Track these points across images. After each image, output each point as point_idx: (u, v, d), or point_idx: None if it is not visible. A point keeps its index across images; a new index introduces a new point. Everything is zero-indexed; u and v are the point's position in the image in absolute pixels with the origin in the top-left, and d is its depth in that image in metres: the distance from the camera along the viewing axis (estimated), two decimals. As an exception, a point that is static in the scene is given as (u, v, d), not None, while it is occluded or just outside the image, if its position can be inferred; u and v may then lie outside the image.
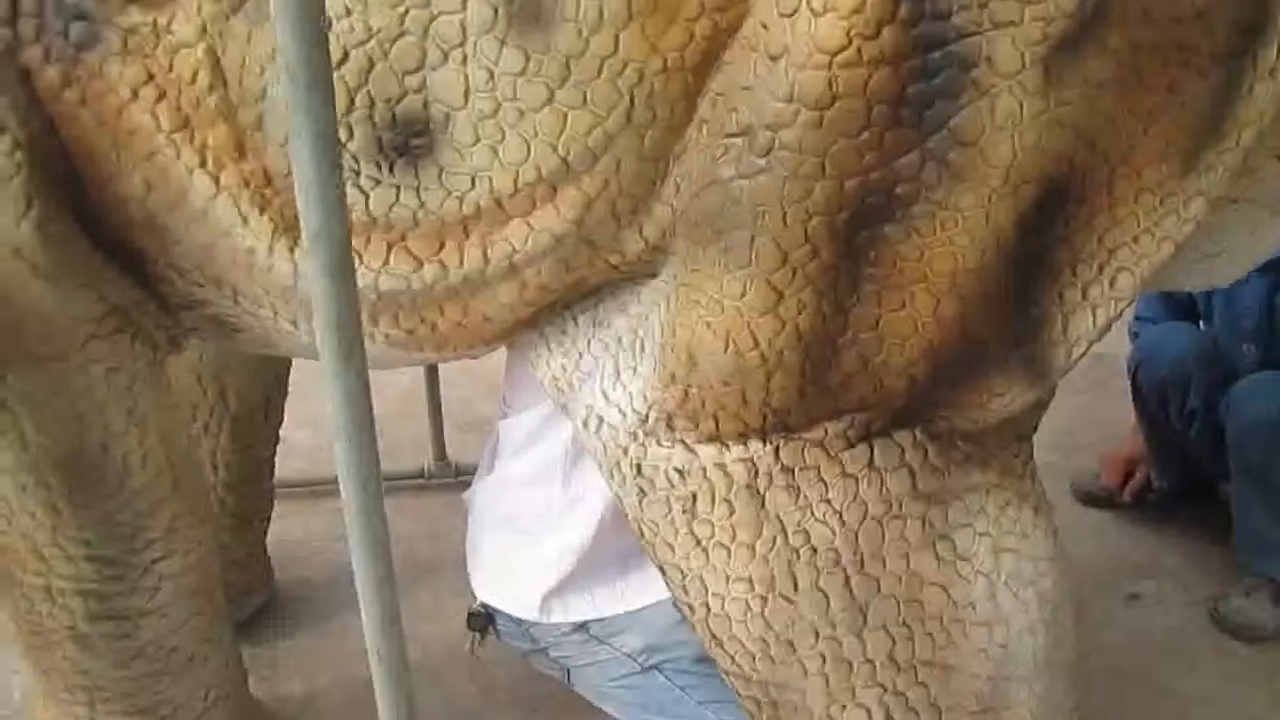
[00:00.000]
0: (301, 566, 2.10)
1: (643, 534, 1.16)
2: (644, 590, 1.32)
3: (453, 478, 2.30)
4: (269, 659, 1.85)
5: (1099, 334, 1.03)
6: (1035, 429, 1.17)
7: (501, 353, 1.43)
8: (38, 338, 1.13)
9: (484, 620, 1.43)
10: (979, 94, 0.90)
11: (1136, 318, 2.26)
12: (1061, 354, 1.04)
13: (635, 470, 1.13)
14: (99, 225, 1.11)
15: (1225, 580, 2.06)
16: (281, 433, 1.87)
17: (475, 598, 1.44)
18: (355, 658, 1.90)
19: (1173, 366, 2.06)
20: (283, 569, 2.05)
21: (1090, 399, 2.46)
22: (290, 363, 1.81)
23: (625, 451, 1.13)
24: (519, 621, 1.39)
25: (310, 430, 2.17)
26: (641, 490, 1.13)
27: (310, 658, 1.91)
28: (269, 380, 1.75)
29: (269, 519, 1.94)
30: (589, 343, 1.15)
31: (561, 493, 1.34)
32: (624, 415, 1.12)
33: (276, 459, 1.90)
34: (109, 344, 1.18)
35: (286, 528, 2.06)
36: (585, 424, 1.16)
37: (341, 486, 0.76)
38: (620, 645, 1.36)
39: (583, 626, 1.36)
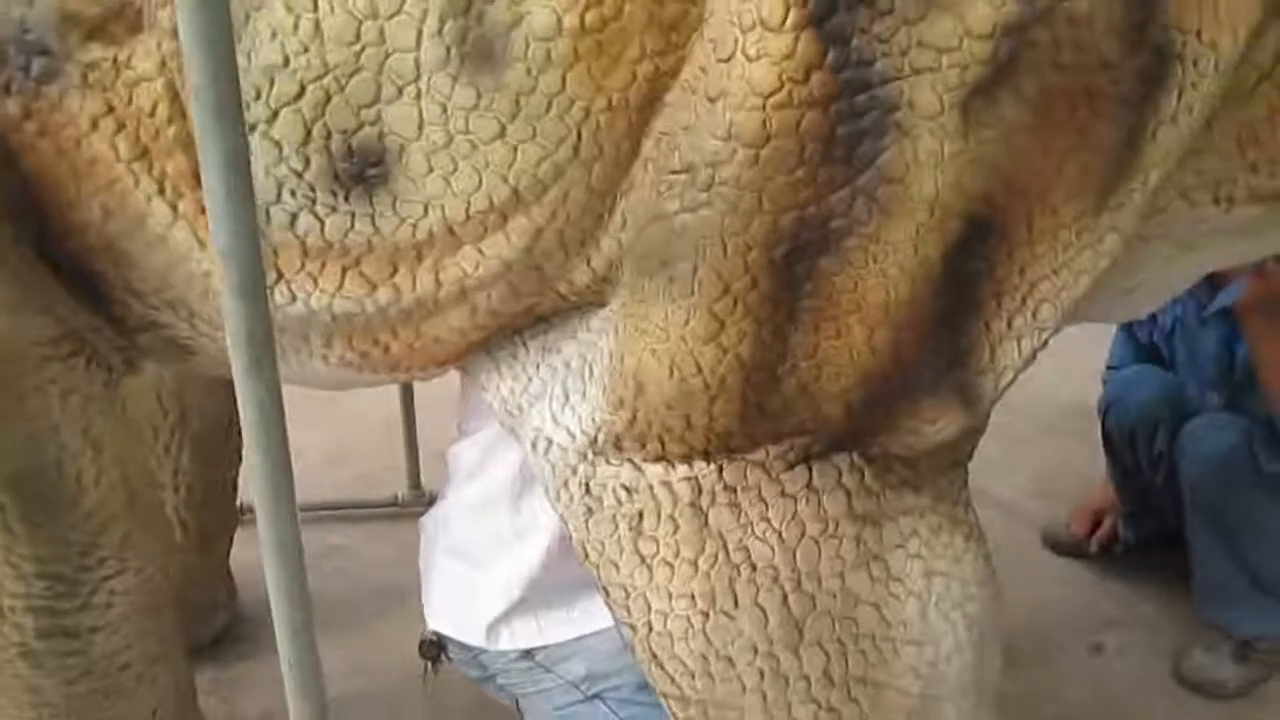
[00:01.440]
0: (264, 590, 2.14)
1: (587, 555, 1.21)
2: (590, 618, 1.36)
3: (424, 506, 2.34)
4: (228, 680, 1.91)
5: (1024, 363, 1.10)
6: (970, 456, 1.24)
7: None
8: (-3, 360, 1.18)
9: (435, 648, 1.47)
10: (902, 134, 0.97)
11: (1108, 367, 2.34)
12: (990, 382, 1.11)
13: (584, 489, 1.19)
14: (57, 251, 1.16)
15: (1190, 633, 2.11)
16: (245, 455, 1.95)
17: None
18: None
19: (1141, 409, 2.14)
20: (247, 590, 2.10)
21: (1068, 448, 2.53)
22: None
23: (574, 471, 1.18)
24: (468, 649, 1.43)
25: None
26: (589, 509, 1.19)
27: (270, 681, 1.93)
28: (230, 400, 1.80)
29: (232, 539, 2.00)
30: (538, 367, 1.21)
31: (510, 520, 1.38)
32: (573, 436, 1.18)
33: (240, 483, 1.95)
34: (64, 366, 1.24)
35: (251, 552, 2.10)
36: (534, 446, 1.21)
37: (255, 495, 0.82)
38: (564, 673, 1.40)
39: (528, 654, 1.40)
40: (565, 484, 1.19)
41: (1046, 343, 1.09)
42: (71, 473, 1.27)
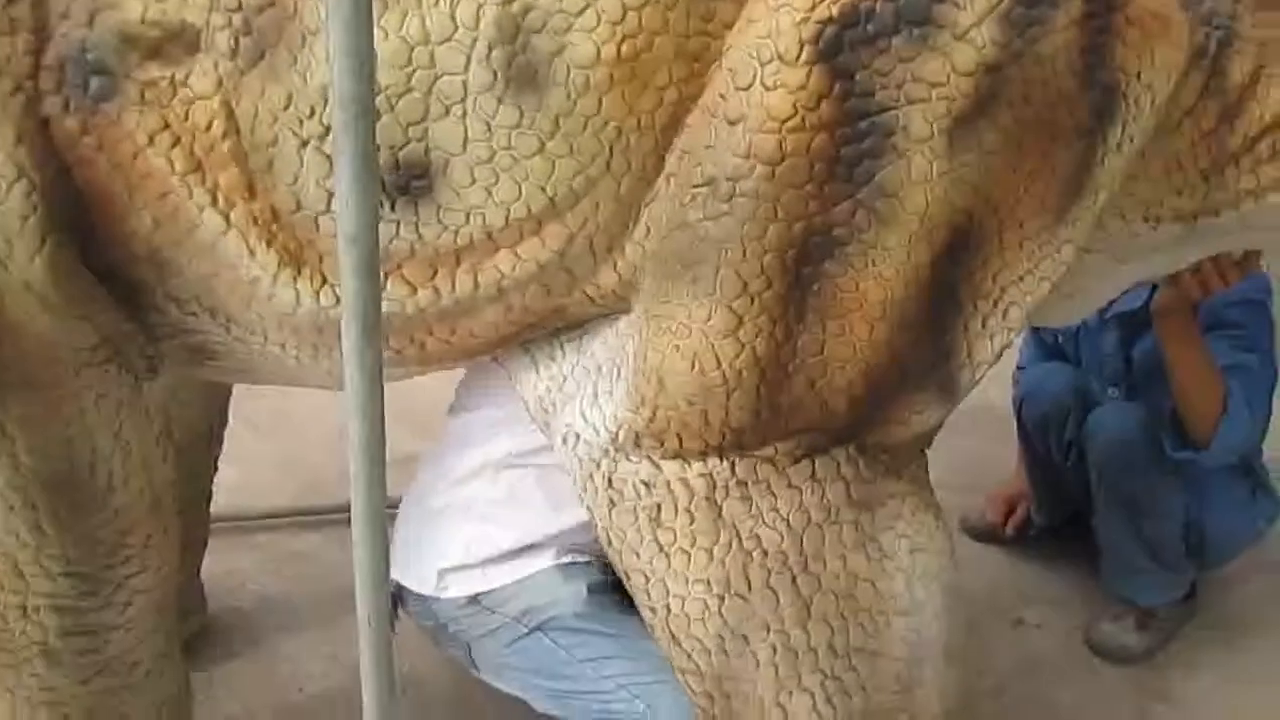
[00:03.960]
0: (231, 597, 2.25)
1: (610, 542, 1.37)
2: (528, 565, 1.55)
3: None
4: (204, 681, 1.99)
5: (995, 358, 1.32)
6: (930, 445, 1.44)
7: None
8: (39, 365, 1.27)
9: (393, 599, 1.56)
10: (898, 155, 1.17)
11: (1019, 367, 2.61)
12: (967, 375, 1.32)
13: (607, 483, 1.35)
14: (101, 260, 1.26)
15: (1099, 605, 2.39)
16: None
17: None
18: (286, 681, 2.09)
19: (1053, 401, 2.41)
20: (214, 599, 2.19)
21: (980, 445, 2.80)
22: (230, 396, 1.95)
23: (598, 465, 1.34)
24: (422, 598, 1.59)
25: (236, 467, 2.30)
26: (611, 501, 1.35)
27: (244, 681, 2.07)
28: (212, 412, 1.91)
29: (205, 547, 2.09)
30: (573, 369, 1.38)
31: (485, 490, 1.56)
32: (598, 433, 1.34)
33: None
34: (99, 371, 1.33)
35: (216, 561, 2.21)
36: (564, 440, 1.37)
37: (351, 457, 0.94)
38: (507, 612, 1.55)
39: (474, 599, 1.56)
40: (590, 477, 1.35)
41: (1012, 341, 1.30)
42: (103, 474, 1.36)
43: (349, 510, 2.56)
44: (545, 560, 1.55)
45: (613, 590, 1.55)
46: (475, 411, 1.62)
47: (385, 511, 0.98)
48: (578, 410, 1.36)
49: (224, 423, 1.99)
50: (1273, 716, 2.17)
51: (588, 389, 1.36)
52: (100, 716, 1.49)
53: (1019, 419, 2.51)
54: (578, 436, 1.36)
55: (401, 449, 1.60)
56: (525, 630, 1.56)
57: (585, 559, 1.58)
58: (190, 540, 1.96)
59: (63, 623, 1.41)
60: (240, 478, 2.08)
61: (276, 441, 2.74)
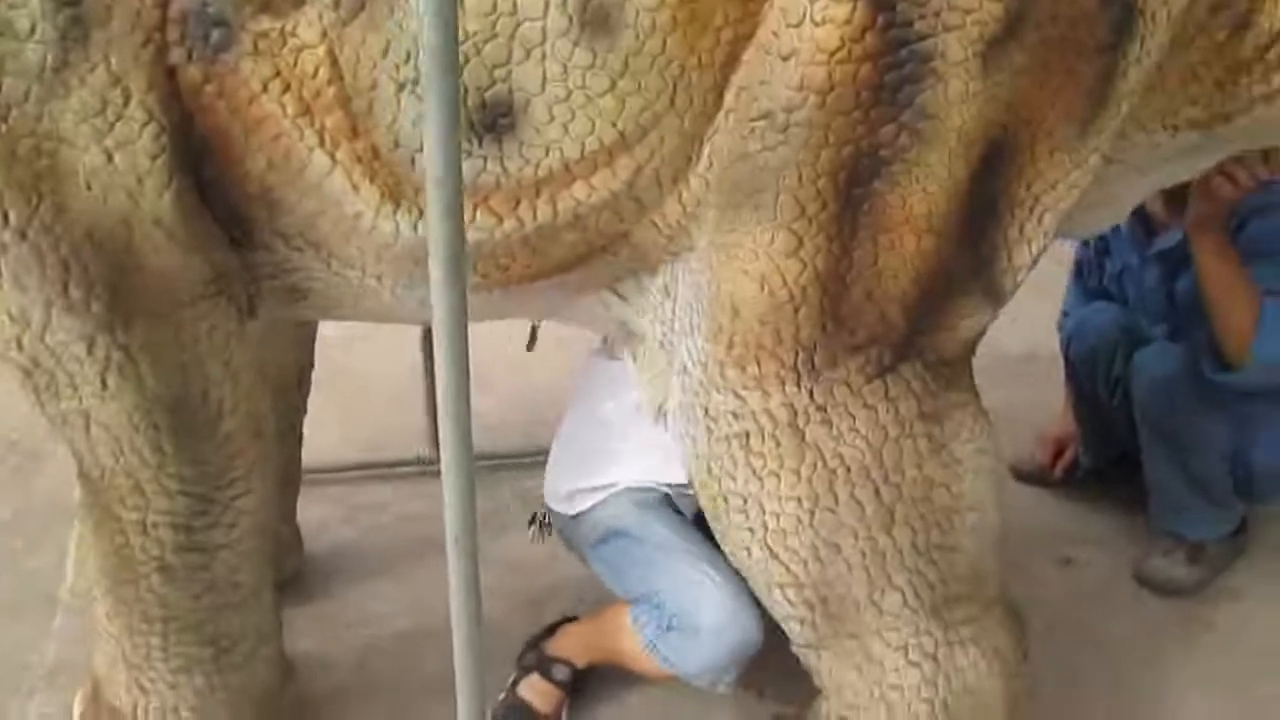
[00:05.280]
0: (305, 545, 2.42)
1: (709, 469, 1.53)
2: (602, 492, 1.97)
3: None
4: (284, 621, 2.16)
5: (1033, 261, 1.45)
6: (974, 352, 1.57)
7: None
8: (160, 295, 1.44)
9: (543, 520, 2.14)
10: (936, 79, 1.31)
11: (1063, 313, 2.72)
12: (1009, 280, 1.45)
13: (704, 412, 1.51)
14: (219, 199, 1.43)
15: (1148, 542, 2.50)
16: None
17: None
18: (357, 624, 2.29)
19: (1099, 336, 2.53)
20: (291, 546, 2.36)
21: (1028, 391, 2.92)
22: (314, 341, 2.14)
23: (697, 396, 1.51)
24: (557, 515, 2.06)
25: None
26: (709, 429, 1.51)
27: (318, 621, 2.26)
28: (302, 353, 2.10)
29: (299, 485, 2.27)
30: (674, 308, 1.53)
31: (615, 443, 1.90)
32: (694, 366, 1.50)
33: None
34: (212, 304, 1.50)
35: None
36: (679, 375, 1.54)
37: (439, 389, 1.01)
38: (596, 524, 1.97)
39: (575, 517, 2.02)
40: (693, 408, 1.52)
41: (1047, 246, 1.43)
42: (215, 400, 1.53)
43: (416, 464, 2.78)
44: (607, 489, 1.95)
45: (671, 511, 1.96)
46: (619, 361, 1.87)
47: (471, 431, 1.05)
48: (684, 346, 1.52)
49: (312, 364, 2.17)
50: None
51: (687, 324, 1.51)
52: (206, 631, 1.67)
53: (1066, 358, 2.63)
54: (685, 370, 1.52)
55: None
56: (608, 534, 1.94)
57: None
58: (286, 480, 2.14)
59: (178, 539, 1.58)
60: (307, 434, 2.24)
61: (339, 399, 2.90)
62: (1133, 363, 2.40)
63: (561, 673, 2.00)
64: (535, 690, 2.00)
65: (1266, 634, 2.32)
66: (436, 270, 0.97)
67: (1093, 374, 2.56)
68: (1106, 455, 2.69)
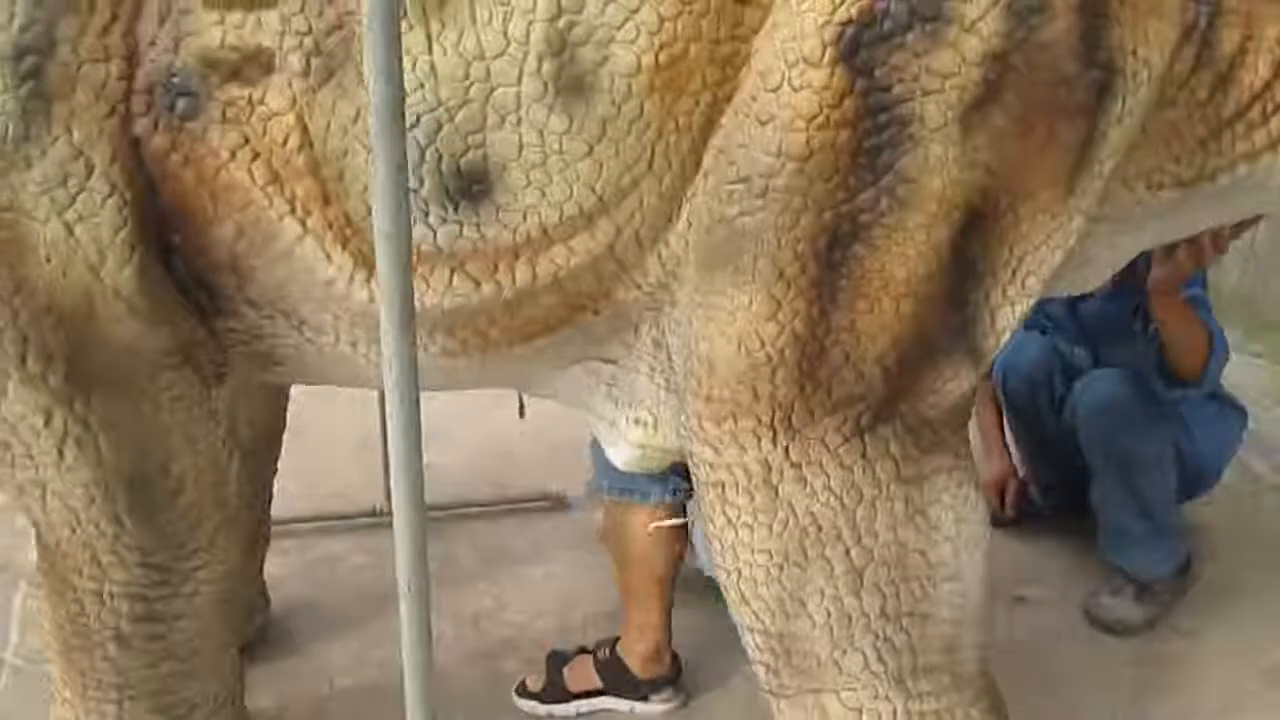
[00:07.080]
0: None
1: (700, 507, 1.57)
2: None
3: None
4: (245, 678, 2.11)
5: (1017, 324, 1.46)
6: (969, 417, 1.59)
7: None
8: (123, 367, 1.41)
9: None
10: (915, 144, 1.33)
11: None
12: (992, 342, 1.46)
13: (691, 458, 1.53)
14: (184, 268, 1.40)
15: (1098, 579, 2.54)
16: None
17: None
18: (316, 677, 2.26)
19: (1034, 365, 2.62)
20: (246, 602, 2.30)
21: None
22: (288, 400, 2.10)
23: (686, 440, 1.52)
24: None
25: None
26: (696, 476, 1.54)
27: (276, 677, 2.22)
28: (275, 413, 2.05)
29: (268, 545, 2.22)
30: (669, 356, 1.54)
31: None
32: (685, 412, 1.51)
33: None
34: (175, 374, 1.47)
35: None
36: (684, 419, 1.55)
37: (390, 435, 1.01)
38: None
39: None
40: (688, 450, 1.54)
41: (1032, 308, 1.46)
42: (176, 471, 1.50)
43: (372, 517, 2.75)
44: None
45: None
46: None
47: (422, 477, 1.05)
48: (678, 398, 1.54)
49: (284, 425, 2.13)
50: (1269, 679, 2.33)
51: (681, 368, 1.52)
52: (163, 700, 1.64)
53: (1004, 392, 2.70)
54: (685, 416, 1.53)
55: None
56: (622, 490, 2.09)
57: None
58: (254, 539, 2.10)
59: (135, 609, 1.55)
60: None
61: (297, 452, 2.83)
62: (1072, 395, 2.49)
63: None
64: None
65: (1217, 671, 2.37)
66: (387, 320, 0.98)
67: (1034, 401, 2.63)
68: (1060, 487, 2.73)
